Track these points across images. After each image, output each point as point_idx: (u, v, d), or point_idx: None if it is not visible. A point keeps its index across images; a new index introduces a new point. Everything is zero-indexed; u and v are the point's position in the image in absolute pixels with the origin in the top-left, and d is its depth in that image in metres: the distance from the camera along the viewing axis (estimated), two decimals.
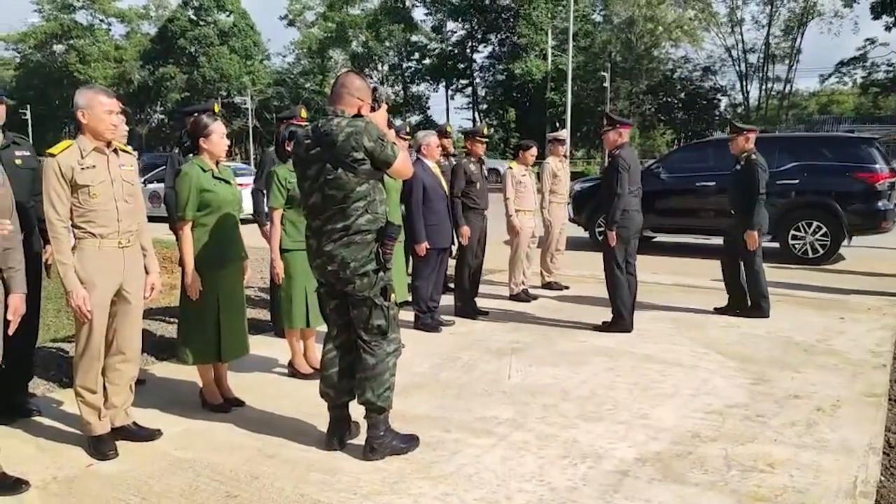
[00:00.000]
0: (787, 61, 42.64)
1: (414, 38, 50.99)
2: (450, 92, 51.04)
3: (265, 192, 4.89)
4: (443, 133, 6.47)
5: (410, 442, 3.25)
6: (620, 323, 5.48)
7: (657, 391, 4.11)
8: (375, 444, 3.13)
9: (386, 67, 52.66)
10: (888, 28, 37.47)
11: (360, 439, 3.25)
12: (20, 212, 3.00)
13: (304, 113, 5.46)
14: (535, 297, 6.80)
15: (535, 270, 7.24)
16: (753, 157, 5.90)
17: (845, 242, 8.93)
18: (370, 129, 2.96)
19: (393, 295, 3.11)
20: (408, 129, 6.37)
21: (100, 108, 3.09)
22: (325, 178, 2.96)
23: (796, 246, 9.03)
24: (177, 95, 52.76)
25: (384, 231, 3.03)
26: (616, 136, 5.53)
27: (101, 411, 3.23)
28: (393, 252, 3.09)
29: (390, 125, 5.61)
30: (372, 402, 3.09)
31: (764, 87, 43.84)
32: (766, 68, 43.22)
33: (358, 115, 3.02)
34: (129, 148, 3.43)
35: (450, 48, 50.04)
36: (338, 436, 3.25)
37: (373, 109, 3.15)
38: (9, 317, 2.82)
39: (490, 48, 48.73)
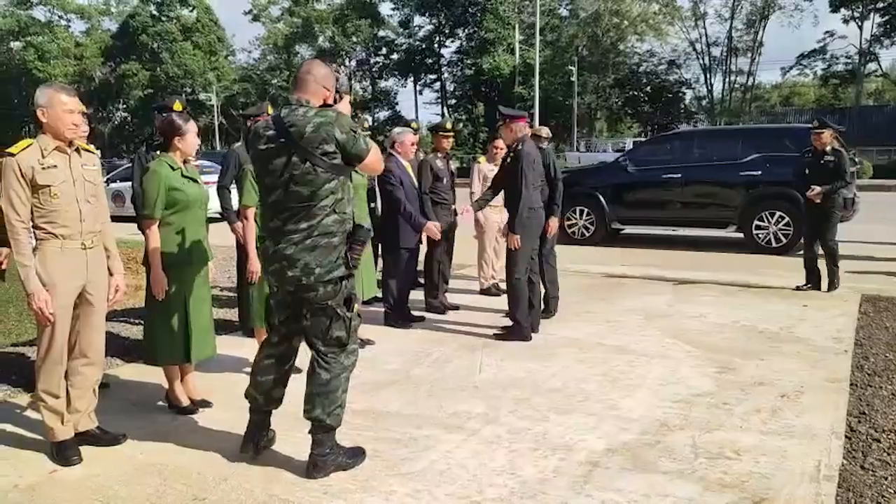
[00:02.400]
0: (749, 54, 43.37)
1: (381, 34, 50.73)
2: (418, 87, 50.94)
3: (239, 188, 4.77)
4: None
5: (357, 456, 3.06)
6: (518, 331, 5.09)
7: (626, 382, 4.15)
8: (319, 461, 2.93)
9: (353, 63, 52.29)
10: (846, 21, 38.39)
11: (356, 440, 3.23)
12: None
13: (270, 110, 5.36)
14: (504, 292, 6.80)
15: (503, 265, 7.26)
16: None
17: None
18: (342, 120, 2.77)
19: (356, 306, 2.93)
20: (366, 125, 6.33)
21: (60, 106, 3.01)
22: (290, 173, 2.73)
23: (760, 235, 9.20)
24: (140, 93, 51.80)
25: (354, 234, 2.84)
26: (509, 131, 5.15)
27: (65, 416, 3.16)
28: (361, 257, 2.92)
29: (356, 118, 5.58)
30: (321, 419, 2.89)
31: (727, 79, 44.54)
32: (729, 61, 43.90)
33: (326, 105, 2.87)
34: (91, 147, 3.36)
35: (417, 43, 49.89)
36: (255, 441, 3.10)
37: (335, 100, 2.97)
38: None
39: (458, 43, 48.71)
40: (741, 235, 9.47)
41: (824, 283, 6.66)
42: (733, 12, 42.30)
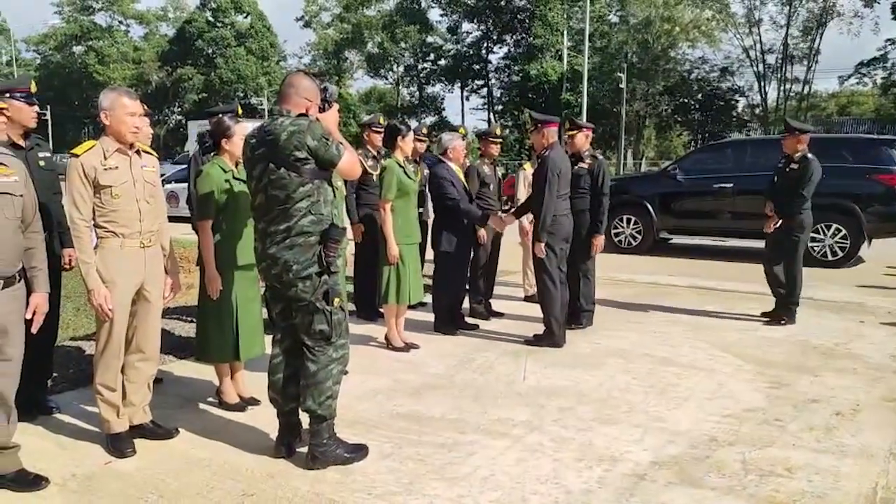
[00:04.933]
0: (805, 62, 42.15)
1: (429, 39, 51.00)
2: (465, 93, 51.03)
3: None
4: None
5: (357, 452, 3.17)
6: (551, 338, 5.10)
7: (673, 394, 4.08)
8: (317, 452, 3.07)
9: (401, 68, 52.70)
10: None
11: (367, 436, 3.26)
12: (41, 212, 3.04)
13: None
14: None
15: None
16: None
17: (865, 245, 8.83)
18: (313, 127, 2.90)
19: (337, 300, 3.02)
20: (424, 131, 6.38)
21: (122, 110, 3.12)
22: (268, 178, 2.91)
23: (815, 248, 8.93)
24: (194, 96, 53.14)
25: (327, 233, 2.95)
26: (540, 137, 5.15)
27: (120, 409, 3.26)
28: (336, 255, 3.00)
29: (370, 130, 5.77)
30: (313, 409, 3.03)
31: (782, 88, 43.33)
32: (784, 69, 42.73)
33: (303, 115, 2.98)
34: (150, 149, 3.47)
35: (465, 49, 50.02)
36: (286, 442, 3.20)
37: (322, 110, 3.11)
38: (27, 315, 2.86)
39: (505, 49, 48.68)
40: None
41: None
42: (789, 19, 41.21)
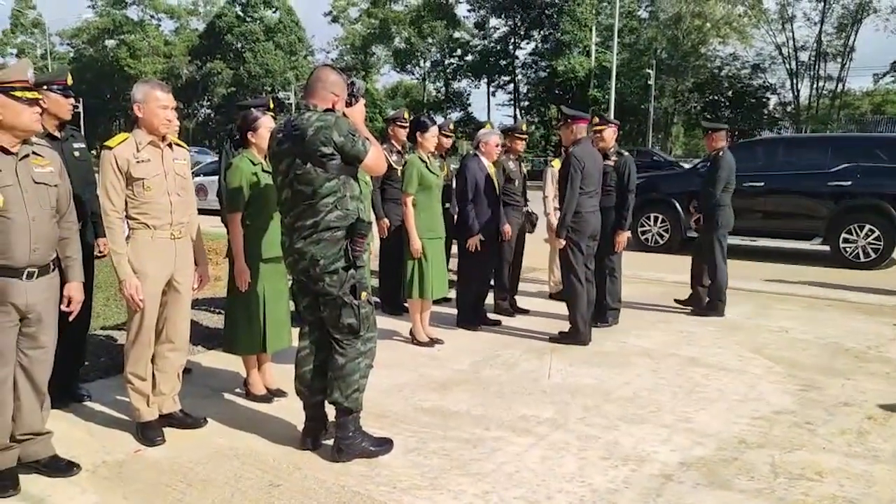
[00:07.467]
0: (839, 59, 41.34)
1: (456, 35, 50.89)
2: (491, 89, 50.83)
3: None
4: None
5: (382, 445, 3.18)
6: (576, 335, 5.06)
7: (702, 395, 4.04)
8: (343, 444, 3.09)
9: (428, 64, 52.68)
10: None
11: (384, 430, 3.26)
12: (75, 202, 3.08)
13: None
14: None
15: None
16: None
17: None
18: (340, 123, 2.90)
19: (365, 293, 3.03)
20: (451, 126, 6.37)
21: (155, 102, 3.15)
22: (294, 174, 2.91)
23: (847, 249, 8.77)
24: (223, 90, 53.65)
25: (354, 228, 2.96)
26: (569, 132, 5.11)
27: (150, 398, 3.31)
28: (362, 249, 3.00)
29: (399, 124, 5.73)
30: (339, 402, 3.05)
31: (815, 85, 42.54)
32: (817, 66, 41.93)
33: (329, 110, 2.97)
34: (182, 142, 3.51)
35: (492, 45, 49.82)
36: (312, 435, 3.22)
37: (349, 104, 3.11)
38: (62, 305, 2.91)
39: (533, 45, 48.36)
40: (827, 248, 9.06)
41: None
42: (823, 15, 40.42)
